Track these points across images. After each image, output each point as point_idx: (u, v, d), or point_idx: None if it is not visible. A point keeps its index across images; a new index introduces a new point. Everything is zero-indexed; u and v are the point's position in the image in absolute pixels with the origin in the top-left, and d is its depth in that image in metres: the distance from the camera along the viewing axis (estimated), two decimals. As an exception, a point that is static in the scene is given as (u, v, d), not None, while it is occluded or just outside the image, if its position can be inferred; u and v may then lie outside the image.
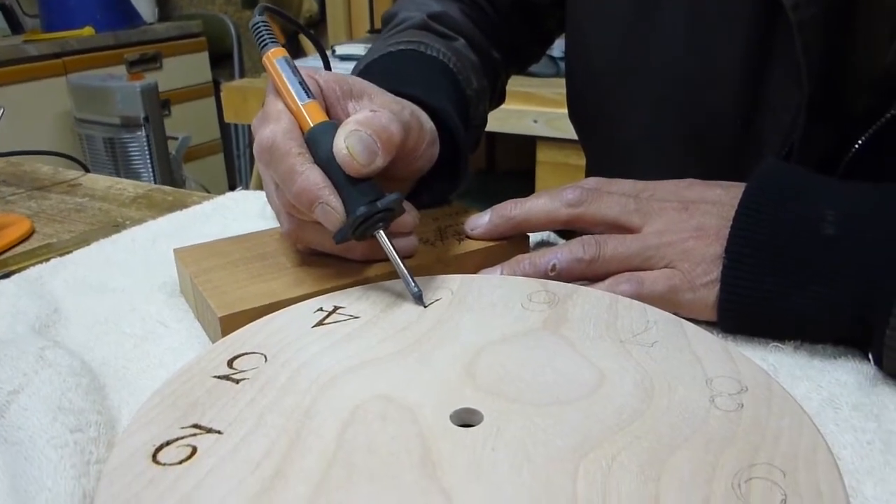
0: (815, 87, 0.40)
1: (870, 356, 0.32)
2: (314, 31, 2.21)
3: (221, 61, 2.50)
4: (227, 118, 1.49)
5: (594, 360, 0.29)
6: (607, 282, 0.36)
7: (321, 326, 0.32)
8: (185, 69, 2.31)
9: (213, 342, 0.34)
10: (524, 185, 1.43)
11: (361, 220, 0.33)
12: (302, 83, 0.38)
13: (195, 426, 0.25)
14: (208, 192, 2.21)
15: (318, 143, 0.35)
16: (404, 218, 0.37)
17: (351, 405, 0.26)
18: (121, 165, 1.78)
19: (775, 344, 0.34)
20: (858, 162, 0.40)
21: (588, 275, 0.37)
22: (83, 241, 0.50)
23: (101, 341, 0.36)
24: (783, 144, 0.42)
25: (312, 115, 0.36)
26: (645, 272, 0.36)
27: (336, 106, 0.39)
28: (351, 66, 1.55)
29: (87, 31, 2.06)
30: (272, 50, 0.40)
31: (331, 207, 0.33)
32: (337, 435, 0.25)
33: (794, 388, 0.31)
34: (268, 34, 0.40)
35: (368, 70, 0.49)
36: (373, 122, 0.35)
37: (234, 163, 2.59)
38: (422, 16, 0.55)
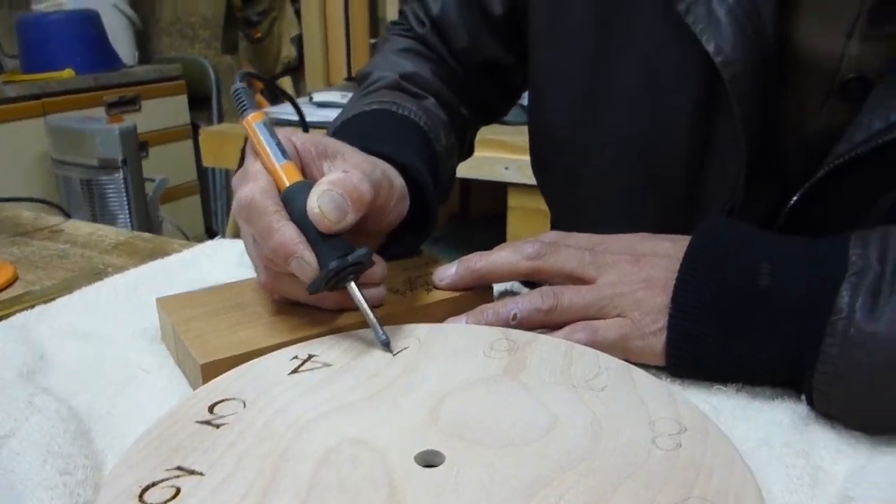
0: (754, 148, 0.43)
1: (803, 396, 0.35)
2: (292, 76, 2.27)
3: (200, 104, 2.53)
4: (206, 162, 1.51)
5: (549, 404, 0.32)
6: (564, 330, 0.39)
7: (296, 374, 0.34)
8: (163, 111, 2.34)
9: (194, 388, 0.36)
10: (496, 230, 1.47)
11: (333, 273, 0.36)
12: (279, 145, 0.40)
13: (179, 468, 0.27)
14: (185, 233, 2.22)
15: (293, 202, 0.38)
16: (373, 270, 0.40)
17: (324, 448, 0.29)
18: (97, 206, 1.79)
19: (718, 386, 0.37)
20: (796, 216, 0.43)
21: (547, 323, 0.40)
22: (66, 288, 0.52)
23: (86, 387, 0.38)
24: (728, 199, 0.45)
25: (288, 175, 0.39)
26: (599, 321, 0.39)
27: (311, 165, 0.42)
28: (328, 112, 1.59)
29: (68, 73, 2.08)
30: (251, 115, 0.42)
31: (305, 261, 0.36)
32: (310, 476, 0.27)
33: (734, 427, 0.34)
34: (247, 99, 0.43)
35: (344, 128, 0.52)
36: (344, 183, 0.37)
37: (211, 205, 2.61)
38: (394, 76, 0.59)
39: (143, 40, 2.57)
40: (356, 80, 0.65)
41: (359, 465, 0.27)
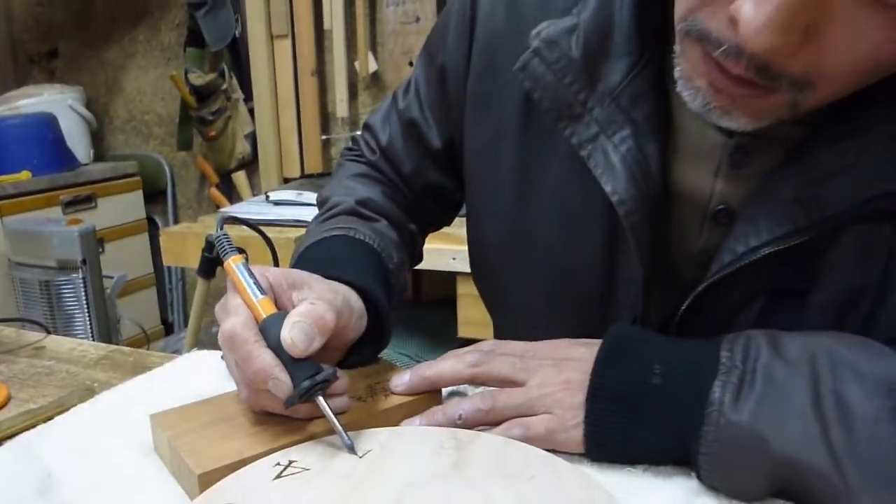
0: (650, 267, 0.53)
1: (693, 473, 0.44)
2: (247, 170, 2.35)
3: (155, 198, 2.59)
4: (167, 262, 1.57)
5: (488, 493, 0.40)
6: (501, 427, 0.47)
7: (280, 479, 0.41)
8: (119, 208, 2.39)
9: (191, 496, 0.43)
10: (447, 314, 1.55)
11: (305, 391, 0.44)
12: (256, 283, 0.48)
13: (191, 566, 0.34)
14: (142, 328, 2.24)
15: (269, 332, 0.46)
16: (338, 383, 0.47)
17: (307, 541, 0.36)
18: (55, 306, 1.82)
19: (628, 468, 0.45)
20: (686, 321, 0.53)
21: (487, 421, 0.48)
22: (60, 405, 0.58)
23: (94, 502, 0.44)
24: (633, 309, 0.55)
25: (265, 309, 0.47)
26: (530, 418, 0.47)
27: (283, 296, 0.50)
28: (284, 209, 1.67)
29: (25, 175, 2.13)
30: (232, 258, 0.50)
31: (281, 382, 0.44)
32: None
33: (640, 502, 0.42)
34: (228, 245, 0.51)
35: (308, 253, 0.60)
36: (312, 313, 0.45)
37: (167, 296, 2.64)
38: (351, 202, 0.67)
39: (98, 138, 2.64)
40: (317, 203, 0.73)
41: (337, 554, 0.35)
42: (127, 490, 0.45)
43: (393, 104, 0.72)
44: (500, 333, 0.70)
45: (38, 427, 0.54)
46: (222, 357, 0.63)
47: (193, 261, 1.52)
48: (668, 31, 0.48)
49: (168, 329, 2.60)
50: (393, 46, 2.09)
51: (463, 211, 0.73)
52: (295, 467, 0.43)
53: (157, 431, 0.49)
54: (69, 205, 2.22)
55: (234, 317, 0.46)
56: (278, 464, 0.43)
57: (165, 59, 2.51)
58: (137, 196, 2.47)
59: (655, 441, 0.44)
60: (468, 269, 1.39)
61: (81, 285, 1.79)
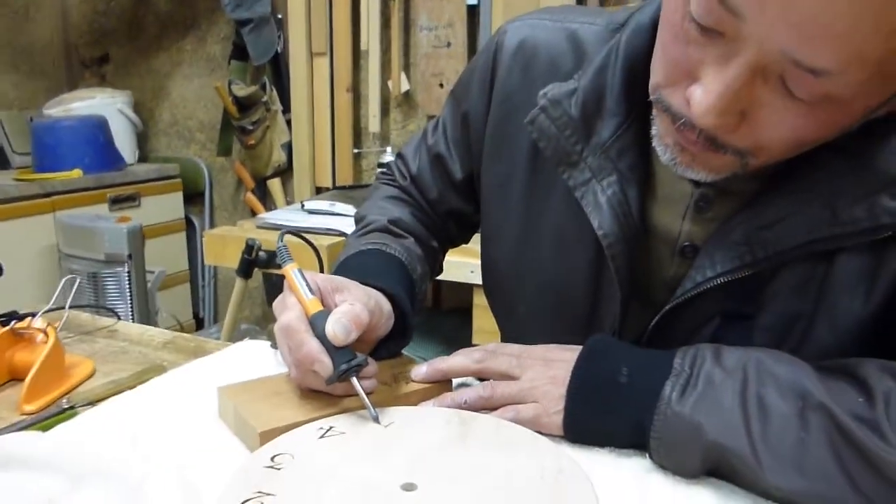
0: (628, 290, 0.64)
1: (647, 454, 0.55)
2: (281, 178, 2.49)
3: (193, 199, 2.74)
4: (208, 261, 1.71)
5: (483, 457, 0.51)
6: (498, 411, 0.59)
7: (323, 438, 0.54)
8: (160, 207, 2.55)
9: (251, 450, 0.55)
10: (464, 322, 1.67)
11: (342, 372, 0.56)
12: (307, 285, 0.61)
13: (259, 492, 0.46)
14: (178, 320, 2.38)
15: (316, 325, 0.58)
16: (368, 368, 0.59)
17: (345, 480, 0.48)
18: (101, 297, 1.96)
19: (597, 448, 0.57)
20: (655, 336, 0.64)
21: (486, 406, 0.60)
22: (139, 378, 0.71)
23: (178, 457, 0.56)
24: (613, 323, 0.66)
25: (313, 306, 0.59)
26: (521, 405, 0.59)
27: (328, 297, 0.62)
28: (318, 217, 1.80)
29: (76, 173, 2.29)
30: (289, 265, 0.63)
31: (324, 364, 0.56)
32: (339, 494, 0.46)
33: (602, 471, 0.53)
34: (287, 254, 0.64)
35: (348, 263, 0.72)
36: (350, 312, 0.58)
37: (199, 292, 2.79)
38: (384, 220, 0.80)
39: (143, 139, 2.80)
40: (355, 220, 0.86)
41: (366, 490, 0.47)
42: (197, 446, 0.57)
43: (423, 139, 0.84)
44: (505, 338, 0.82)
45: (124, 393, 0.67)
46: (272, 346, 0.76)
47: (232, 261, 1.66)
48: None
49: (199, 324, 2.75)
50: (424, 68, 2.22)
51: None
52: (334, 431, 0.55)
53: (223, 400, 0.61)
54: (115, 202, 2.38)
55: (290, 311, 0.58)
56: (321, 427, 0.55)
57: (210, 69, 2.66)
58: (178, 197, 2.62)
59: (619, 427, 0.56)
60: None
61: (126, 278, 1.93)
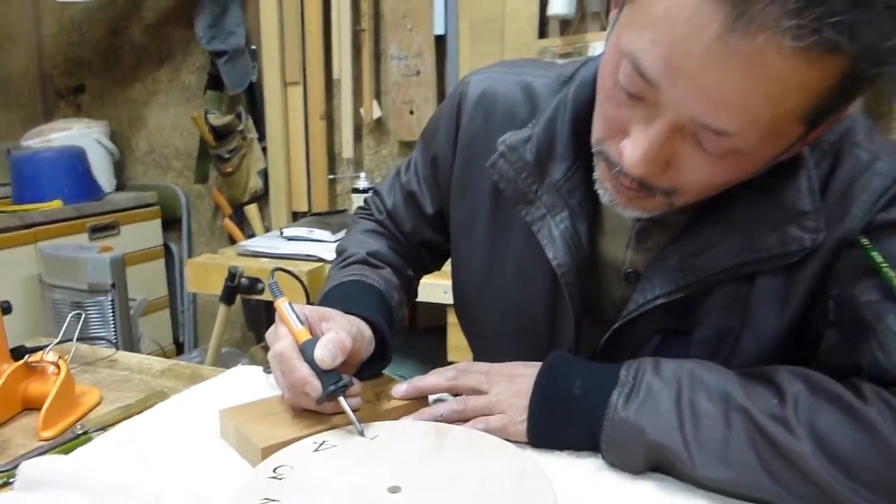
0: (581, 312, 0.73)
1: (600, 454, 0.64)
2: (258, 203, 2.56)
3: (171, 226, 2.80)
4: (190, 288, 1.78)
5: (458, 463, 0.59)
6: (470, 423, 0.67)
7: (317, 452, 0.61)
8: (139, 235, 2.60)
9: (253, 465, 0.62)
10: (439, 340, 1.75)
11: (331, 392, 0.64)
12: (297, 316, 0.68)
13: (265, 499, 0.54)
14: (160, 346, 2.42)
15: (306, 351, 0.65)
16: (353, 388, 0.67)
17: (341, 487, 0.55)
18: (85, 326, 2.01)
19: (558, 452, 0.65)
20: (606, 351, 0.73)
21: (459, 419, 0.68)
22: (144, 403, 0.78)
23: (187, 473, 0.63)
24: (569, 342, 0.75)
25: (303, 336, 0.67)
26: (490, 417, 0.67)
27: (315, 326, 0.70)
28: (297, 244, 1.87)
29: (56, 204, 2.33)
30: (280, 299, 0.70)
31: (314, 386, 0.64)
32: (335, 499, 0.54)
33: (562, 472, 0.61)
34: (277, 289, 0.71)
35: (332, 293, 0.80)
36: (335, 339, 0.65)
37: (178, 318, 2.84)
38: (363, 253, 0.88)
39: (119, 168, 2.85)
40: (336, 252, 0.94)
41: (357, 494, 0.54)
42: (203, 463, 0.65)
43: (397, 177, 0.93)
44: (475, 355, 0.90)
45: (132, 418, 0.74)
46: (264, 370, 0.83)
47: (214, 288, 1.73)
48: None
49: (179, 348, 2.79)
50: (395, 96, 2.31)
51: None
52: (326, 445, 0.62)
53: (225, 421, 0.69)
54: (95, 231, 2.42)
55: (283, 341, 0.66)
56: (315, 442, 0.63)
57: (185, 98, 2.72)
58: (156, 224, 2.67)
59: (574, 433, 0.64)
60: (455, 302, 1.60)
61: (110, 306, 1.98)
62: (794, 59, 0.48)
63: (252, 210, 2.54)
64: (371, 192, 0.99)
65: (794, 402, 0.57)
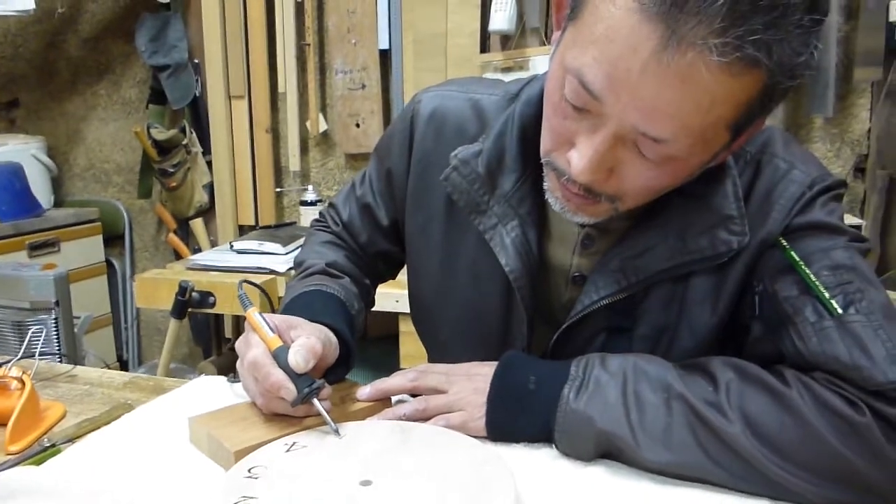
0: (532, 313, 0.78)
1: (553, 445, 0.69)
2: (204, 218, 2.54)
3: (113, 242, 2.75)
4: (139, 303, 1.76)
5: (423, 456, 0.63)
6: (432, 420, 0.71)
7: (289, 452, 0.64)
8: (80, 251, 2.55)
9: (226, 468, 0.65)
10: (391, 349, 1.79)
11: (305, 395, 0.67)
12: (268, 324, 0.71)
13: (244, 497, 0.57)
14: (105, 363, 2.38)
15: (279, 357, 0.69)
16: (324, 391, 0.71)
17: (312, 480, 0.59)
18: (28, 344, 1.97)
19: (514, 444, 0.70)
20: (557, 349, 0.78)
21: (422, 417, 0.72)
22: (111, 415, 0.79)
23: (161, 479, 0.66)
24: (522, 342, 0.80)
25: (275, 343, 0.70)
26: (450, 414, 0.71)
27: (284, 333, 0.73)
28: (248, 257, 1.88)
29: (-7, 222, 2.28)
30: (251, 309, 0.73)
31: (289, 389, 0.67)
32: (306, 493, 0.57)
33: (520, 462, 0.66)
34: (247, 300, 0.74)
35: (295, 302, 0.83)
36: (307, 344, 0.69)
37: (122, 335, 2.79)
38: (322, 264, 0.91)
39: (57, 184, 2.79)
40: (294, 264, 0.97)
41: (331, 487, 0.58)
42: (177, 469, 0.67)
43: (352, 190, 0.97)
44: (431, 360, 0.95)
45: (100, 429, 0.75)
46: (228, 380, 0.86)
47: (163, 303, 1.72)
48: None
49: (123, 366, 2.75)
50: (341, 109, 2.34)
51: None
52: (297, 446, 0.66)
53: (196, 428, 0.71)
54: (34, 248, 2.37)
55: (256, 348, 0.69)
56: (285, 444, 0.66)
57: (126, 112, 2.70)
58: (97, 241, 2.63)
59: (530, 425, 0.69)
60: (408, 310, 1.64)
61: (54, 325, 1.95)
62: (720, 74, 0.54)
63: (198, 224, 2.53)
64: (327, 204, 1.02)
65: (726, 389, 0.63)
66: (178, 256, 2.52)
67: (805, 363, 0.63)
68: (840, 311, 0.62)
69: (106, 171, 2.78)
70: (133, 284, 1.82)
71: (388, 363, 1.79)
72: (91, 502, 0.59)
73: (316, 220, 1.03)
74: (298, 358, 0.67)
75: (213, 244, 2.49)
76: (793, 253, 0.67)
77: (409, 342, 1.69)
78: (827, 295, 0.63)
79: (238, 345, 0.73)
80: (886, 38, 1.85)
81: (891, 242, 1.89)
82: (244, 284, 0.78)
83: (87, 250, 2.59)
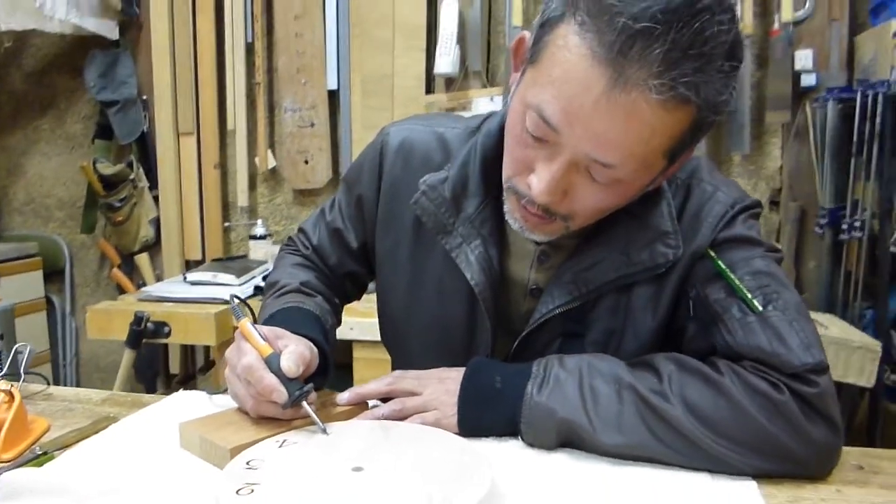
0: (495, 323, 0.87)
1: (520, 438, 0.77)
2: (149, 252, 2.55)
3: (52, 277, 2.72)
4: (91, 335, 1.77)
5: (402, 451, 0.70)
6: (408, 420, 0.78)
7: (281, 448, 0.70)
8: (20, 287, 2.51)
9: (220, 467, 0.70)
10: (344, 377, 1.84)
11: (296, 398, 0.73)
12: (259, 333, 0.78)
13: (247, 483, 0.62)
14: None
15: (270, 363, 0.75)
16: (312, 395, 0.77)
17: (306, 473, 0.65)
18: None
19: (484, 438, 0.77)
20: (518, 354, 0.86)
21: (399, 417, 0.79)
22: (96, 426, 0.83)
23: (159, 478, 0.70)
24: (486, 349, 0.88)
25: (266, 350, 0.76)
26: (425, 413, 0.79)
27: (273, 342, 0.79)
28: (201, 288, 1.92)
29: (-71, 257, 2.23)
30: (244, 319, 0.79)
31: (281, 392, 0.73)
32: (300, 481, 0.63)
33: (490, 454, 0.73)
34: (240, 311, 0.80)
35: (275, 317, 0.89)
36: (297, 351, 0.75)
37: (60, 371, 2.74)
38: (296, 283, 0.97)
39: (-6, 219, 2.75)
40: (266, 285, 1.03)
41: (328, 472, 0.64)
42: (170, 471, 0.72)
43: (321, 216, 1.04)
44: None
45: (89, 438, 0.79)
46: (208, 394, 0.91)
47: (117, 334, 1.73)
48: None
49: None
50: (290, 146, 2.41)
51: (371, 288, 1.06)
52: (288, 443, 0.72)
53: (187, 432, 0.76)
54: (-28, 284, 2.33)
55: (248, 355, 0.75)
56: (277, 441, 0.72)
57: (69, 147, 2.69)
58: (38, 276, 2.59)
59: (498, 420, 0.77)
60: (363, 337, 1.71)
61: (-3, 358, 1.92)
62: (659, 109, 0.64)
63: (143, 259, 2.53)
64: (297, 230, 1.09)
65: (668, 379, 0.73)
66: (122, 292, 2.51)
67: (734, 354, 0.74)
68: (761, 308, 0.73)
69: (47, 205, 2.75)
70: (73, 320, 1.81)
71: (341, 390, 1.83)
72: (97, 501, 0.64)
73: (285, 245, 1.10)
74: (290, 363, 0.74)
75: (159, 279, 2.49)
76: (720, 262, 0.78)
77: (363, 369, 1.75)
78: (749, 296, 0.74)
79: (229, 353, 0.79)
80: (793, 84, 2.05)
81: (804, 268, 2.07)
82: (235, 298, 0.84)
83: (26, 286, 2.55)
